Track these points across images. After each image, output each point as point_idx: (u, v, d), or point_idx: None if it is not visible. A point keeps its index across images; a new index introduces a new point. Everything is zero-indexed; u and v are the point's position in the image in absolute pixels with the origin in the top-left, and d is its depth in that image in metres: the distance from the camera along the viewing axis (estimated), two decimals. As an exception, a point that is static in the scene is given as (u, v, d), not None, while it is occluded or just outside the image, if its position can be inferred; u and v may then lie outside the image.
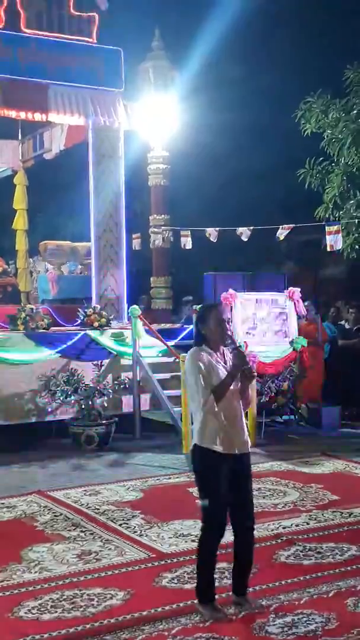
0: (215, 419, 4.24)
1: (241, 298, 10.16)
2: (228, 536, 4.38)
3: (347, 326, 11.41)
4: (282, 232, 11.25)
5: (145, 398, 9.87)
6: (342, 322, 11.87)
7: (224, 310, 4.41)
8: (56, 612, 4.39)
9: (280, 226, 11.28)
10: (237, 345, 4.30)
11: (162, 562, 5.15)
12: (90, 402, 9.07)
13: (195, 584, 4.38)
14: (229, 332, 4.37)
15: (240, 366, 4.23)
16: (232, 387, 4.27)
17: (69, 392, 9.07)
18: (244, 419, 4.39)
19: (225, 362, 4.33)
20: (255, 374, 4.36)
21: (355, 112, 11.11)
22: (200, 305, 10.12)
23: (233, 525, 4.37)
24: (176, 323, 11.65)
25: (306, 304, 10.79)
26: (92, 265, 10.88)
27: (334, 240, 10.55)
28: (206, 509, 4.27)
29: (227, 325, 4.36)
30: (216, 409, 4.23)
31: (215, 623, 4.17)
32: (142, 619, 4.26)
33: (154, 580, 4.83)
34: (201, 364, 4.23)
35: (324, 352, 11.17)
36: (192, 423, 4.41)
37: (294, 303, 10.34)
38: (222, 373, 4.26)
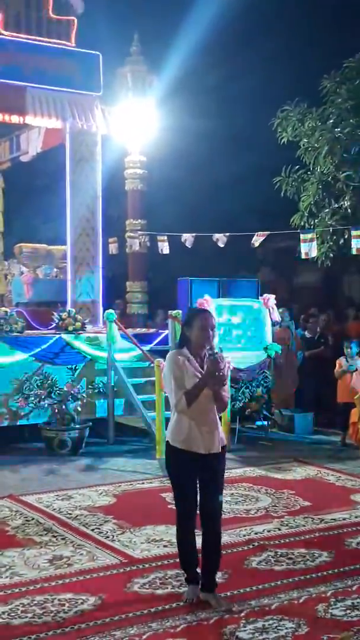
0: (186, 420, 4.42)
1: (216, 303, 10.20)
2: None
3: (307, 335, 11.47)
4: (257, 239, 11.33)
5: (119, 403, 9.85)
6: (304, 332, 11.90)
7: (210, 317, 4.51)
8: (27, 617, 4.36)
9: (256, 233, 11.35)
10: (215, 352, 4.34)
11: (134, 568, 5.15)
12: (63, 406, 9.03)
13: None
14: (210, 339, 4.44)
15: (212, 372, 4.31)
16: (206, 391, 4.38)
17: (43, 396, 9.02)
18: (217, 420, 4.51)
19: (203, 368, 4.41)
20: (225, 380, 4.41)
21: (331, 121, 11.21)
22: (176, 310, 10.23)
23: (201, 523, 4.53)
24: (151, 328, 11.66)
25: (280, 310, 10.86)
26: (68, 269, 10.85)
27: (309, 248, 10.66)
28: (175, 502, 4.56)
29: (211, 333, 4.44)
30: (188, 410, 4.38)
31: (185, 625, 4.19)
32: (114, 624, 4.25)
33: (126, 586, 4.83)
34: (176, 367, 4.38)
35: (297, 358, 11.25)
36: None
37: (269, 310, 10.40)
38: (196, 378, 4.38)
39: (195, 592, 4.54)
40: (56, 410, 9.06)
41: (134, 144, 11.86)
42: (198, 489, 4.50)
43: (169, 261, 12.84)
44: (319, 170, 11.36)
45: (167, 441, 4.53)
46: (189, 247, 11.76)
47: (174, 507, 4.64)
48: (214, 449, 4.46)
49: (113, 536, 5.82)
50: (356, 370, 9.34)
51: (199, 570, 4.58)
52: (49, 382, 9.14)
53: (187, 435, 4.43)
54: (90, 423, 9.31)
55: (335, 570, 5.06)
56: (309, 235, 10.74)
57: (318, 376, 10.80)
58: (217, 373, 4.31)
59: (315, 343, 11.24)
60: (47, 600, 4.59)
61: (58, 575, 5.01)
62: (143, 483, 7.56)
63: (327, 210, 11.38)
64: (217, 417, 4.53)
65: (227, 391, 4.53)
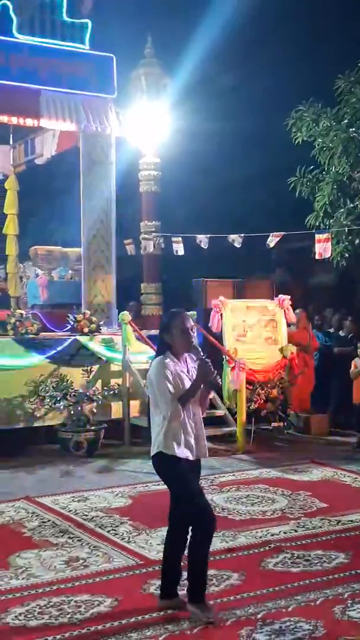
0: (180, 427, 4.31)
1: (231, 305, 10.19)
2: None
3: (342, 334, 11.43)
4: (272, 240, 11.30)
5: (134, 404, 9.86)
6: (331, 330, 11.89)
7: (187, 318, 4.41)
8: (43, 618, 4.37)
9: (271, 234, 11.32)
10: (201, 353, 4.32)
11: (150, 569, 5.14)
12: (79, 408, 9.06)
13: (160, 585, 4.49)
14: (193, 341, 4.40)
15: (206, 376, 4.28)
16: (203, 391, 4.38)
17: (58, 398, 9.04)
18: (202, 426, 4.47)
19: (188, 370, 4.38)
20: (220, 382, 4.39)
21: (345, 121, 11.16)
22: (191, 312, 10.25)
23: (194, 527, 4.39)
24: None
25: (298, 311, 10.83)
26: (83, 271, 10.88)
27: (323, 248, 10.62)
28: (188, 509, 4.35)
29: (192, 335, 4.38)
30: (181, 417, 4.29)
31: (200, 627, 4.18)
32: (130, 625, 4.25)
33: (142, 587, 4.82)
34: (168, 373, 4.26)
35: (314, 359, 11.20)
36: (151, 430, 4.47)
37: (284, 310, 10.38)
38: (187, 382, 4.32)
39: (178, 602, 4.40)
40: (72, 412, 9.08)
41: (148, 146, 11.86)
42: None
43: (183, 262, 12.82)
44: (333, 170, 11.30)
45: (161, 452, 4.31)
46: (204, 248, 11.75)
47: (182, 512, 4.42)
48: (202, 454, 4.42)
49: (129, 538, 5.82)
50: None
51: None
52: (65, 383, 9.16)
53: (178, 441, 4.28)
54: (106, 425, 9.32)
55: (353, 572, 5.03)
56: (324, 236, 10.69)
57: (339, 377, 10.70)
58: (209, 375, 4.28)
59: (348, 342, 11.16)
60: (63, 601, 4.59)
61: (74, 577, 5.02)
62: (159, 484, 7.51)
63: (342, 210, 11.31)
64: (202, 423, 4.46)
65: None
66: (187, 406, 4.31)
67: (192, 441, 4.35)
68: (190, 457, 4.35)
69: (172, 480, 4.44)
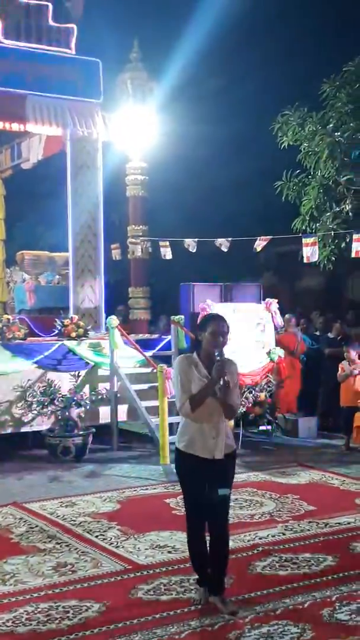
0: (192, 424, 4.45)
1: (218, 308, 10.18)
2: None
3: (331, 336, 11.47)
4: (259, 244, 11.34)
5: (122, 409, 9.84)
6: (317, 333, 11.94)
7: (223, 323, 4.50)
8: (31, 624, 4.35)
9: (258, 238, 11.36)
10: (222, 357, 4.32)
11: (138, 574, 5.14)
12: (67, 413, 9.04)
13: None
14: (218, 345, 4.41)
15: (216, 378, 4.32)
16: (214, 397, 4.36)
17: (46, 403, 9.02)
18: (224, 425, 4.48)
19: (211, 374, 4.40)
20: (230, 387, 4.36)
21: (331, 125, 11.22)
22: (179, 316, 10.25)
23: (208, 526, 4.57)
24: (154, 334, 11.66)
25: (288, 316, 10.85)
26: (70, 276, 10.87)
27: (311, 252, 10.67)
28: (184, 504, 4.62)
29: (221, 339, 4.42)
30: (192, 415, 4.39)
31: (189, 632, 4.18)
32: (118, 631, 4.24)
33: (130, 592, 4.82)
34: (181, 371, 4.41)
35: (301, 363, 11.22)
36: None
37: (271, 314, 10.39)
38: (203, 383, 4.37)
39: (203, 595, 4.58)
40: (59, 417, 9.06)
41: (135, 150, 11.88)
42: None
43: (171, 266, 12.84)
44: (319, 174, 11.35)
45: (175, 445, 4.59)
46: (193, 252, 11.77)
47: (184, 510, 4.68)
48: (217, 454, 4.43)
49: (117, 543, 5.81)
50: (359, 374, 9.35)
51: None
52: (52, 388, 9.13)
53: (191, 439, 4.45)
54: (94, 429, 9.30)
55: (340, 575, 5.05)
56: (311, 240, 10.75)
57: (327, 379, 10.72)
58: (221, 380, 4.29)
59: (338, 344, 11.19)
60: (51, 607, 4.58)
61: (62, 582, 5.00)
62: (147, 489, 7.55)
63: (328, 214, 11.36)
64: (225, 422, 4.49)
65: (237, 396, 4.51)
66: (203, 406, 4.34)
67: (208, 440, 4.41)
68: (203, 456, 4.41)
69: (177, 475, 4.66)
